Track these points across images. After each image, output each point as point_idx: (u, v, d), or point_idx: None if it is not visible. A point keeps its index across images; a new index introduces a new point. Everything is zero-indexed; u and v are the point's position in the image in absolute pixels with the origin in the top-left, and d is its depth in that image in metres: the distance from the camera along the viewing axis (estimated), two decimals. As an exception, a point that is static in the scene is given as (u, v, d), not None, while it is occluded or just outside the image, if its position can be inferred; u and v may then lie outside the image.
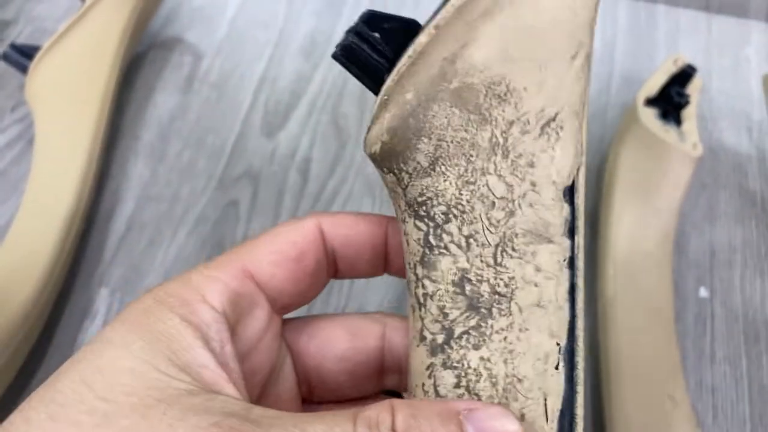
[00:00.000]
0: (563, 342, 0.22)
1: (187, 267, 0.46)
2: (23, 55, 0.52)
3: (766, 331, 0.48)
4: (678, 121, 0.49)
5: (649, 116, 0.49)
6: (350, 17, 0.62)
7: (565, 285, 0.23)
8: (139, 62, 0.59)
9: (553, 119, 0.22)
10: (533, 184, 0.22)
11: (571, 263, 0.23)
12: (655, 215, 0.47)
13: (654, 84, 0.51)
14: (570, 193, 0.23)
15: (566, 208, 0.23)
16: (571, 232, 0.23)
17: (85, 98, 0.52)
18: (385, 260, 0.26)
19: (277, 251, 0.24)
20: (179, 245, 0.50)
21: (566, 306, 0.22)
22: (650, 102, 0.50)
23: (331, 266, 0.26)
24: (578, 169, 0.23)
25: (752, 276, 0.50)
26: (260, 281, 0.23)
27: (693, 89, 0.52)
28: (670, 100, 0.49)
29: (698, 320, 0.48)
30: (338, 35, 0.57)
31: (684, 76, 0.51)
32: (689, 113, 0.50)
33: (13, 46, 0.52)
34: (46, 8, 0.62)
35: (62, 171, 0.49)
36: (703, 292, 0.49)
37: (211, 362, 0.20)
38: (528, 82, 0.22)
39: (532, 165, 0.22)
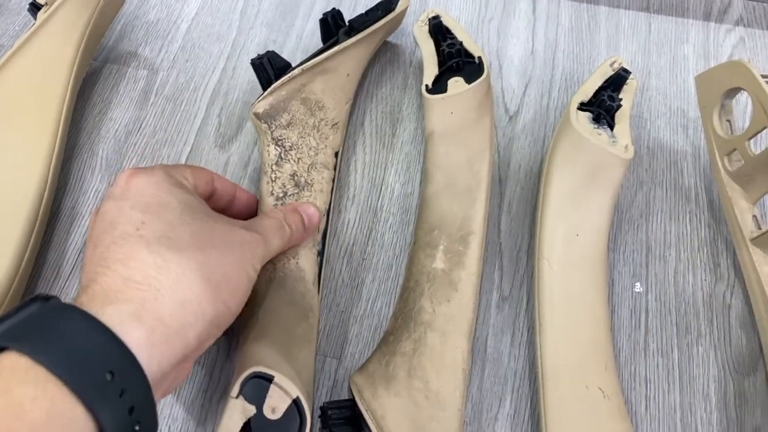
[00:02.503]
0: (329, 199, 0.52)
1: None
2: (-22, 75, 0.53)
3: (697, 322, 0.50)
4: (611, 124, 0.51)
5: (582, 120, 0.50)
6: (301, 28, 0.64)
7: (330, 186, 0.52)
8: (95, 77, 0.61)
9: (336, 123, 0.53)
10: (326, 146, 0.52)
11: (333, 179, 0.52)
12: (588, 215, 0.49)
13: (589, 88, 0.53)
14: (336, 154, 0.53)
15: (334, 158, 0.53)
16: (335, 169, 0.53)
17: (41, 114, 0.54)
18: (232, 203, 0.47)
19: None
20: (135, 257, 0.52)
21: (328, 199, 0.51)
22: (584, 105, 0.52)
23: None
24: (341, 147, 0.55)
25: (685, 270, 0.52)
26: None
27: (628, 91, 0.54)
28: (603, 104, 0.51)
29: (633, 314, 0.51)
30: (290, 46, 0.60)
31: (619, 78, 0.53)
32: (622, 115, 0.52)
33: (-33, 67, 0.54)
34: (1, 25, 0.64)
35: (19, 188, 0.51)
36: (638, 287, 0.51)
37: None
38: (330, 106, 0.53)
39: (327, 138, 0.53)
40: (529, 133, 0.58)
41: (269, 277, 0.46)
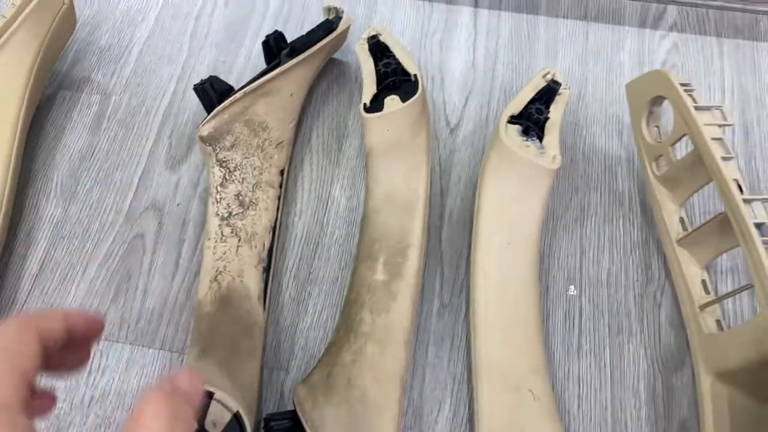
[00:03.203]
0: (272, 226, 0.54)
1: (98, 300, 0.50)
2: (-70, 109, 0.55)
3: (628, 322, 0.53)
4: (540, 136, 0.53)
5: (512, 133, 0.53)
6: (250, 48, 0.66)
7: (275, 204, 0.54)
8: (49, 104, 0.63)
9: (280, 142, 0.56)
10: (270, 165, 0.55)
11: (278, 196, 0.55)
12: (520, 225, 0.51)
13: (520, 101, 0.55)
14: (281, 172, 0.56)
15: (280, 177, 0.56)
16: (280, 187, 0.56)
17: (-4, 144, 0.55)
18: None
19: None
20: (90, 280, 0.54)
21: (274, 216, 0.54)
22: (514, 118, 0.54)
23: None
24: (287, 165, 0.57)
25: (618, 272, 0.55)
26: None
27: (560, 101, 0.56)
28: (531, 117, 0.53)
29: (567, 317, 0.53)
30: (239, 65, 0.61)
31: (550, 90, 0.55)
32: (552, 126, 0.54)
33: None
34: (-43, 56, 0.65)
35: (-25, 217, 0.53)
36: (572, 291, 0.54)
37: None
38: (274, 126, 0.56)
39: (272, 157, 0.56)
40: (470, 144, 0.60)
41: (214, 296, 0.48)
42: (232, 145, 0.53)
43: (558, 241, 0.56)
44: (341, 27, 0.59)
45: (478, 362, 0.48)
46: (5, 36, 0.56)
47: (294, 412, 0.45)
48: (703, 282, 0.52)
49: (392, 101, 0.54)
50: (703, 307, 0.50)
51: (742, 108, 0.62)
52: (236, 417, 0.41)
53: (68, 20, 0.61)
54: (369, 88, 0.56)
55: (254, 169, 0.53)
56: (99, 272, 0.54)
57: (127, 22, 0.68)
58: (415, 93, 0.54)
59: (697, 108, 0.49)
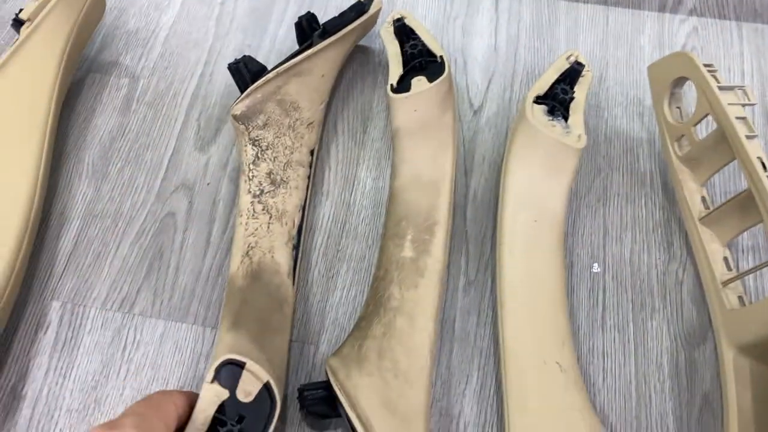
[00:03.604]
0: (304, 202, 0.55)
1: (131, 277, 0.51)
2: (-34, 90, 0.56)
3: (651, 299, 0.54)
4: (565, 116, 0.54)
5: (537, 113, 0.54)
6: (275, 33, 0.67)
7: (305, 183, 0.56)
8: (78, 87, 0.64)
9: (311, 122, 0.57)
10: (301, 144, 0.56)
11: (308, 176, 0.56)
12: (546, 203, 0.53)
13: (544, 82, 0.56)
14: (311, 152, 0.57)
15: (310, 156, 0.57)
16: (310, 167, 0.56)
17: (28, 125, 0.56)
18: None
19: None
20: (123, 257, 0.55)
21: (303, 195, 0.55)
22: (539, 99, 0.55)
23: None
24: (316, 145, 0.59)
25: (640, 250, 0.56)
26: None
27: (583, 83, 0.57)
28: (557, 97, 0.54)
29: (591, 293, 0.54)
30: (265, 50, 0.63)
31: (573, 72, 0.56)
32: (576, 107, 0.55)
33: (-44, 83, 0.56)
34: (-12, 40, 0.66)
35: (9, 195, 0.54)
36: (596, 268, 0.55)
37: None
38: (305, 107, 0.56)
39: (302, 137, 0.56)
40: (493, 126, 0.61)
41: (246, 270, 0.49)
42: (265, 124, 0.54)
43: (582, 220, 0.57)
44: (372, 9, 0.60)
45: (505, 336, 0.49)
46: (38, 19, 0.57)
47: (327, 383, 0.46)
48: (725, 259, 0.53)
49: (419, 82, 0.55)
50: (725, 283, 0.51)
51: (762, 90, 0.63)
52: (266, 387, 0.42)
53: (98, 5, 0.62)
54: (395, 70, 0.57)
55: (285, 148, 0.55)
56: (132, 250, 0.56)
57: (154, 7, 0.69)
58: (441, 74, 0.55)
59: (720, 88, 0.50)
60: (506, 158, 0.55)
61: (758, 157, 0.48)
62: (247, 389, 0.41)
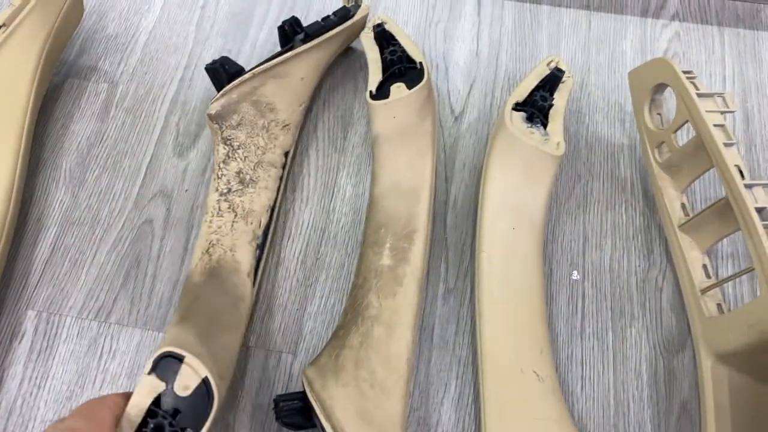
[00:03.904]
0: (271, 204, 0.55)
1: (108, 285, 0.51)
2: (-59, 97, 0.56)
3: (631, 306, 0.54)
4: (544, 123, 0.54)
5: (516, 120, 0.53)
6: (255, 37, 0.66)
7: (276, 184, 0.55)
8: (56, 92, 0.63)
9: (287, 124, 0.57)
10: (275, 146, 0.56)
11: (280, 177, 0.55)
12: (525, 210, 0.52)
13: (524, 88, 0.56)
14: (286, 154, 0.56)
15: (283, 158, 0.56)
16: (283, 168, 0.56)
17: (4, 131, 0.56)
18: None
19: None
20: (99, 265, 0.55)
21: (273, 196, 0.54)
22: (519, 106, 0.55)
23: None
24: (291, 148, 0.58)
25: (620, 257, 0.56)
26: None
27: (564, 89, 0.57)
28: (535, 104, 0.54)
29: (571, 301, 0.54)
30: (245, 54, 0.62)
31: (553, 78, 0.56)
32: (556, 114, 0.55)
33: (-71, 90, 0.56)
34: (-35, 45, 0.66)
35: (-14, 203, 0.53)
36: (575, 275, 0.55)
37: None
38: (282, 108, 0.56)
39: (276, 138, 0.56)
40: (474, 132, 0.61)
41: (204, 267, 0.49)
42: (238, 124, 0.54)
43: (561, 227, 0.57)
44: (358, 15, 0.60)
45: (483, 344, 0.49)
46: (14, 23, 0.57)
47: (303, 393, 0.46)
48: (704, 266, 0.53)
49: (398, 88, 0.55)
50: (704, 290, 0.51)
51: (743, 96, 0.63)
52: (205, 382, 0.41)
53: (76, 9, 0.62)
54: (375, 76, 0.57)
55: (257, 148, 0.54)
56: (109, 257, 0.55)
57: (134, 11, 0.68)
58: (420, 80, 0.55)
59: (699, 95, 0.50)
60: (485, 165, 0.55)
61: (736, 165, 0.47)
62: (185, 383, 0.40)
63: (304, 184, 0.59)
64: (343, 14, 0.60)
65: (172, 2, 0.69)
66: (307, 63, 0.58)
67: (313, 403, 0.45)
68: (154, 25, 0.67)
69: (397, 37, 0.58)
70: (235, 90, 0.54)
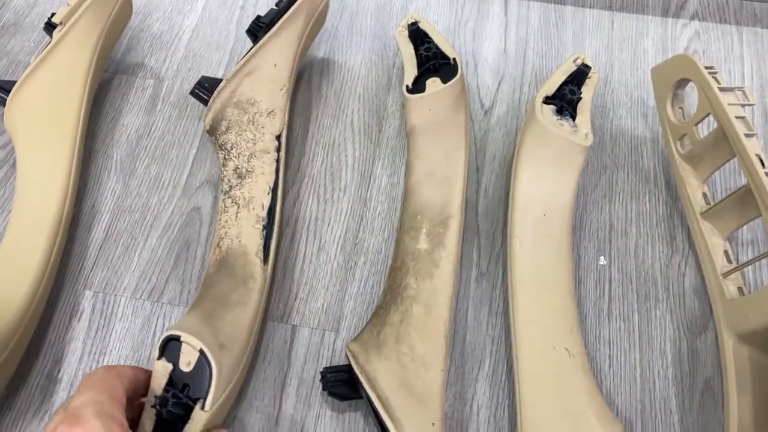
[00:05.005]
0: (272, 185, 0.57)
1: (159, 268, 0.54)
2: (0, 89, 0.59)
3: (655, 289, 0.56)
4: (573, 115, 0.57)
5: (546, 113, 0.56)
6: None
7: (272, 167, 0.57)
8: (106, 88, 0.67)
9: (271, 111, 0.59)
10: (263, 133, 0.59)
11: (277, 162, 0.58)
12: (554, 198, 0.55)
13: (553, 83, 0.59)
14: (278, 138, 0.59)
15: (275, 141, 0.59)
16: (277, 151, 0.58)
17: (60, 124, 0.59)
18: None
19: None
20: (151, 249, 0.58)
21: (272, 179, 0.57)
22: (548, 99, 0.58)
23: None
24: (283, 129, 0.60)
25: (645, 243, 0.58)
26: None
27: (590, 84, 0.59)
28: (564, 97, 0.57)
29: (598, 285, 0.57)
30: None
31: (580, 73, 0.59)
32: (583, 107, 0.57)
33: (-10, 82, 0.59)
34: (18, 42, 0.69)
35: (44, 190, 0.56)
36: (602, 261, 0.58)
37: None
38: (262, 99, 0.59)
39: (263, 127, 0.59)
40: (503, 125, 0.64)
41: (215, 260, 0.52)
42: (227, 129, 0.59)
43: (588, 215, 0.59)
44: None
45: (516, 324, 0.52)
46: (70, 23, 0.60)
47: (349, 366, 0.49)
48: (726, 252, 0.55)
49: (434, 83, 0.58)
50: (725, 274, 0.54)
51: (761, 92, 0.66)
52: (202, 353, 0.44)
53: (125, 8, 0.65)
54: (410, 71, 0.60)
55: (248, 141, 0.58)
56: (159, 242, 0.58)
57: (177, 11, 0.72)
58: (454, 75, 0.58)
59: (721, 89, 0.53)
60: (516, 155, 0.57)
61: (756, 155, 0.50)
62: (187, 359, 0.44)
63: (342, 174, 0.62)
64: None
65: (213, 3, 0.72)
66: (273, 50, 0.60)
67: (359, 375, 0.48)
68: (197, 24, 0.71)
69: (431, 35, 0.61)
70: (217, 100, 0.59)
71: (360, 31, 0.71)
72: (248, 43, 0.69)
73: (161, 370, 0.44)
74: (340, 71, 0.68)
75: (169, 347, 0.45)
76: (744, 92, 0.54)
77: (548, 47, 0.69)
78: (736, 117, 0.52)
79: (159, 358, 0.44)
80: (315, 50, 0.69)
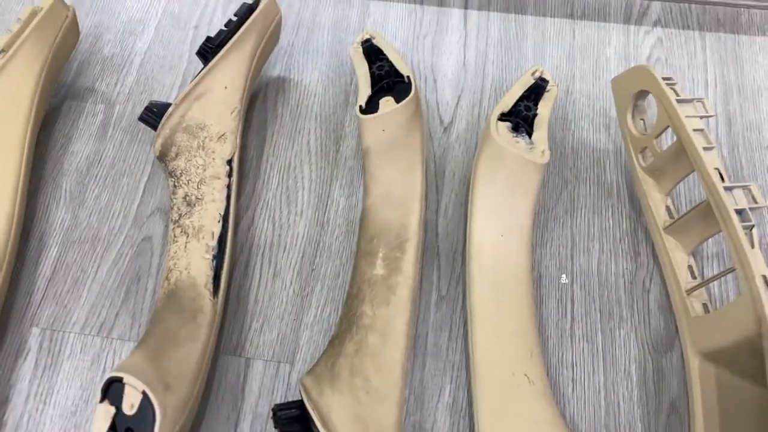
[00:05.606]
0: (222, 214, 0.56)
1: (110, 302, 0.52)
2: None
3: (619, 308, 0.55)
4: (529, 132, 0.56)
5: (502, 130, 0.55)
6: (247, 54, 0.68)
7: (223, 194, 0.56)
8: (55, 114, 0.65)
9: (222, 134, 0.58)
10: (213, 159, 0.57)
11: (228, 188, 0.56)
12: (512, 217, 0.54)
13: (509, 99, 0.57)
14: (229, 162, 0.57)
15: (226, 166, 0.57)
16: (228, 176, 0.57)
17: (4, 153, 0.57)
18: None
19: None
20: (101, 282, 0.56)
21: (223, 206, 0.55)
22: (504, 116, 0.56)
23: None
24: (234, 153, 0.58)
25: (608, 260, 0.57)
26: None
27: (549, 98, 0.58)
28: (520, 114, 0.56)
29: (560, 304, 0.55)
30: (238, 71, 0.63)
31: (537, 88, 0.58)
32: (540, 123, 0.56)
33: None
34: (-35, 70, 0.67)
35: (-11, 224, 0.55)
36: (564, 279, 0.56)
37: None
38: (212, 123, 0.58)
39: (213, 151, 0.57)
40: (462, 142, 0.63)
41: (164, 293, 0.51)
42: (177, 155, 0.57)
43: (549, 232, 0.58)
44: (263, 3, 0.60)
45: (474, 349, 0.50)
46: (12, 49, 0.59)
47: (301, 402, 0.47)
48: (690, 267, 0.54)
49: (387, 102, 0.56)
50: (690, 291, 0.53)
51: (725, 99, 0.65)
52: (145, 395, 0.42)
53: (72, 32, 0.63)
54: (364, 91, 0.58)
55: (197, 167, 0.56)
56: (110, 274, 0.57)
57: (128, 32, 0.70)
58: (408, 94, 0.56)
59: (679, 101, 0.52)
60: (473, 175, 0.56)
61: (716, 168, 0.49)
62: (130, 401, 0.42)
63: (299, 197, 0.60)
64: (247, 11, 0.60)
65: (166, 23, 0.71)
66: (224, 72, 0.59)
67: (311, 411, 0.46)
68: (149, 46, 0.69)
69: (385, 51, 0.60)
70: (166, 125, 0.57)
71: (316, 47, 0.69)
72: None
73: (103, 414, 0.42)
74: (296, 90, 0.66)
75: (112, 389, 0.43)
76: (703, 104, 0.52)
77: (508, 59, 0.67)
78: (694, 130, 0.50)
79: (101, 401, 0.43)
80: (270, 68, 0.67)
